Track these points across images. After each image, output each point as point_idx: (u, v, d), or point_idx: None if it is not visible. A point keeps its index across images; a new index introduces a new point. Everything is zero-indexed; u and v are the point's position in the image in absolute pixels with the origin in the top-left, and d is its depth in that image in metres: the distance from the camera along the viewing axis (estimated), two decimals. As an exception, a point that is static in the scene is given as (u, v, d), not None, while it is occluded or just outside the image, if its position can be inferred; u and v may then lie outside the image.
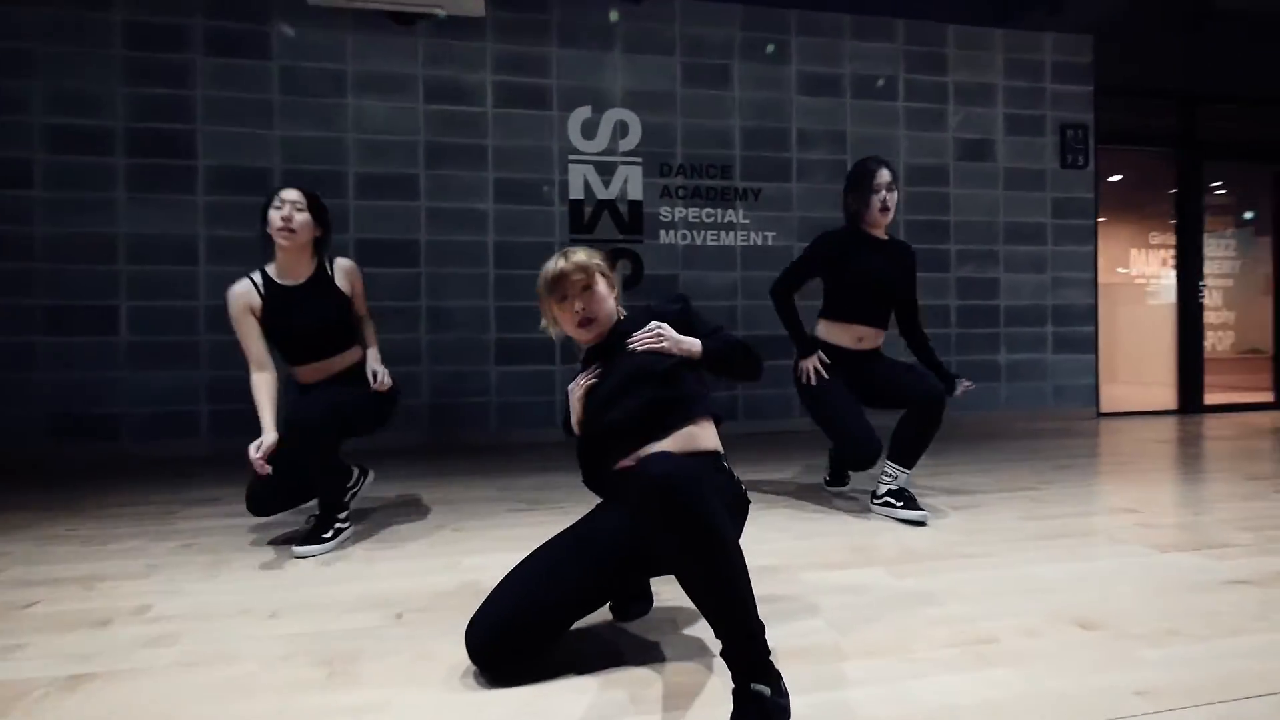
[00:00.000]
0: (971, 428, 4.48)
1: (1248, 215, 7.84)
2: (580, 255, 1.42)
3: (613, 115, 4.22)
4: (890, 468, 2.32)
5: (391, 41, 3.94)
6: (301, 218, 2.07)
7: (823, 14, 4.48)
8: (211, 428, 3.74)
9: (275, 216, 2.05)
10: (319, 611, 1.54)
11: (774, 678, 1.00)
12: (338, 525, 2.07)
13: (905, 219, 4.60)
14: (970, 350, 4.77)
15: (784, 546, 1.97)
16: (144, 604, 1.59)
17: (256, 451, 1.91)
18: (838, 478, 2.73)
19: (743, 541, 1.17)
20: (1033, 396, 4.89)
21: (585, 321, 1.42)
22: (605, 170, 4.22)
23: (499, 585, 1.25)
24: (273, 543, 2.09)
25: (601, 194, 4.21)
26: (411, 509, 2.51)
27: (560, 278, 1.40)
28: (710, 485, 1.05)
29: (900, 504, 2.23)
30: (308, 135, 3.82)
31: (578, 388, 1.41)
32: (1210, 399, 5.42)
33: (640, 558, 1.23)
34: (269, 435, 1.96)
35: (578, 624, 1.30)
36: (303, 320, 2.12)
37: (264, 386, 2.06)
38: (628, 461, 1.31)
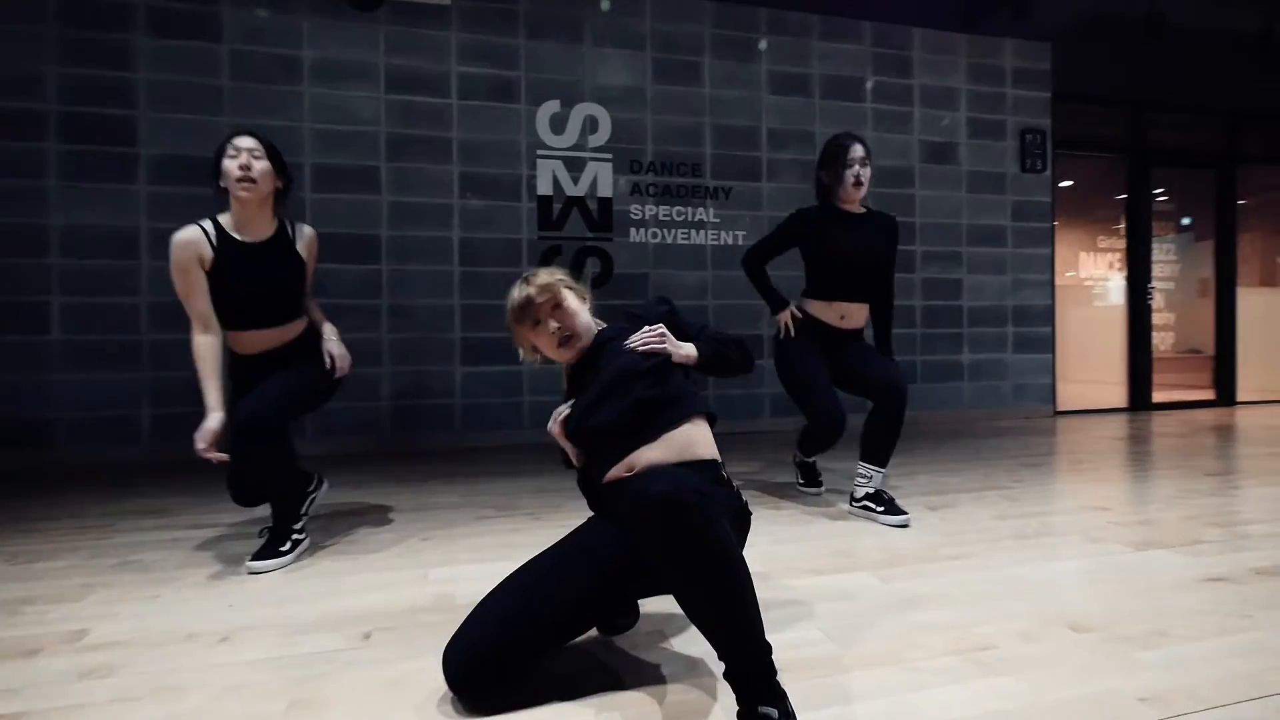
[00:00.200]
0: (936, 426, 4.54)
1: (1185, 221, 8.24)
2: (542, 276, 1.37)
3: (582, 110, 4.13)
4: (864, 468, 2.31)
5: (351, 28, 3.77)
6: (261, 166, 1.87)
7: (792, 13, 4.48)
8: (154, 433, 3.51)
9: (231, 166, 1.84)
10: (276, 634, 1.42)
11: (781, 698, 0.94)
12: (295, 538, 1.94)
13: (873, 220, 4.63)
14: (935, 350, 4.84)
15: (766, 551, 1.92)
16: (78, 630, 1.45)
17: (203, 442, 1.75)
18: (811, 479, 2.70)
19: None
20: (994, 395, 4.99)
21: (565, 339, 1.36)
22: (574, 166, 4.13)
23: (481, 604, 1.15)
24: (223, 558, 1.95)
25: (571, 190, 4.12)
26: (373, 518, 2.38)
27: (527, 304, 1.35)
28: (716, 504, 0.98)
29: (880, 509, 2.22)
30: (259, 123, 3.60)
31: (556, 425, 1.33)
32: (1156, 397, 5.63)
33: (638, 575, 1.15)
34: (214, 417, 1.78)
35: (563, 642, 1.22)
36: (259, 282, 1.90)
37: (209, 353, 1.85)
38: (619, 471, 1.22)
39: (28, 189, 3.37)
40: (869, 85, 4.69)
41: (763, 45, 4.45)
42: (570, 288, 1.40)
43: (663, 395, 1.28)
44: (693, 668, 1.24)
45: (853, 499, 2.33)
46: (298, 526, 1.96)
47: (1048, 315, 5.13)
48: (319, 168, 3.73)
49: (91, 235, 3.44)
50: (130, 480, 3.04)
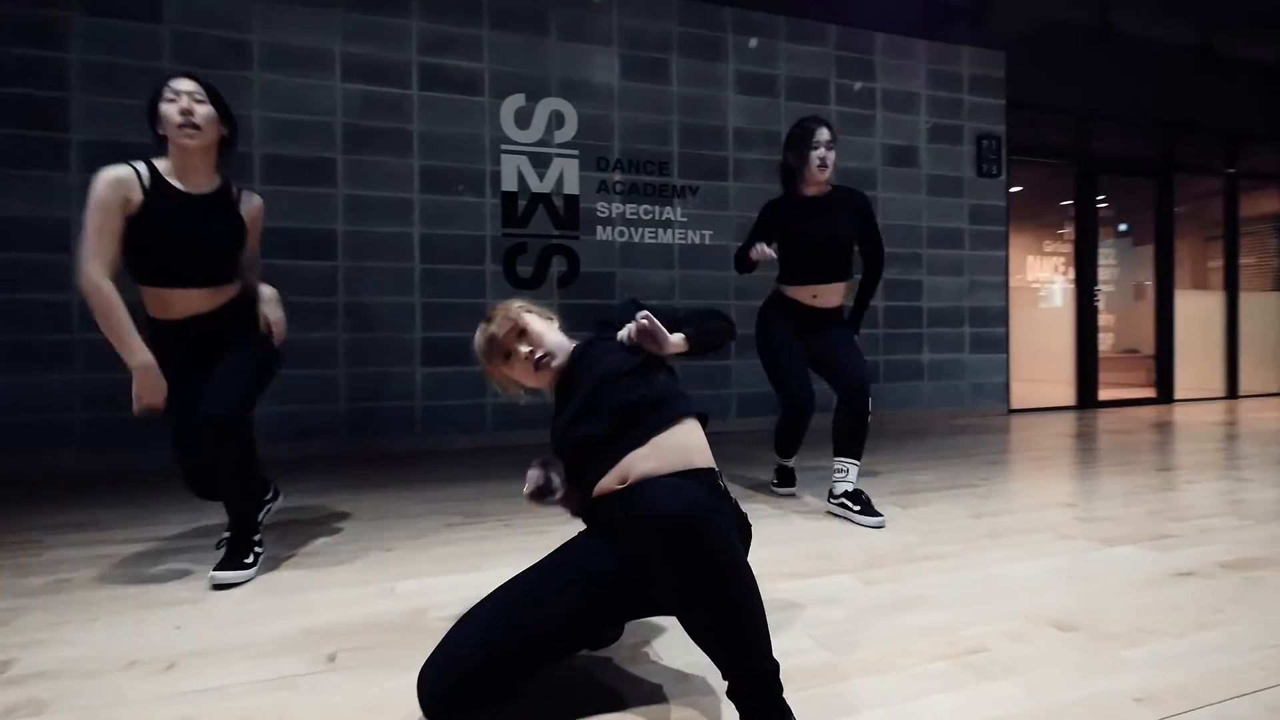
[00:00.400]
0: (898, 424, 4.61)
1: (1122, 227, 8.65)
2: (499, 310, 1.36)
3: (548, 105, 4.04)
4: (840, 462, 2.35)
5: (305, 12, 3.59)
6: (204, 110, 1.70)
7: (758, 13, 4.48)
8: (86, 440, 3.26)
9: (172, 110, 1.67)
10: (230, 659, 1.30)
11: (787, 716, 0.90)
12: (257, 549, 1.81)
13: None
14: (896, 350, 4.92)
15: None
16: (2, 661, 1.30)
17: (148, 394, 1.61)
18: (785, 480, 2.69)
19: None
20: (952, 394, 5.10)
21: (539, 361, 1.30)
22: (540, 162, 4.04)
23: (460, 622, 1.06)
24: (166, 575, 1.80)
25: (536, 187, 4.02)
26: (332, 528, 2.25)
27: (491, 340, 1.33)
28: (728, 521, 0.93)
29: (857, 509, 2.23)
30: (205, 110, 3.41)
31: (527, 495, 1.26)
32: (1101, 395, 5.85)
33: (632, 595, 1.07)
34: (139, 355, 1.63)
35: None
36: (195, 235, 1.71)
37: (119, 298, 1.64)
38: (611, 483, 1.15)
39: (-58, 175, 3.09)
40: (856, 88, 4.75)
41: (753, 44, 4.45)
42: (530, 311, 1.38)
43: (649, 395, 1.21)
44: (685, 681, 1.18)
45: (831, 495, 2.35)
46: (257, 538, 1.83)
47: (1002, 316, 5.28)
48: (270, 158, 3.55)
49: (17, 226, 3.18)
50: (60, 492, 2.82)
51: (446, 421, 3.84)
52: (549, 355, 1.31)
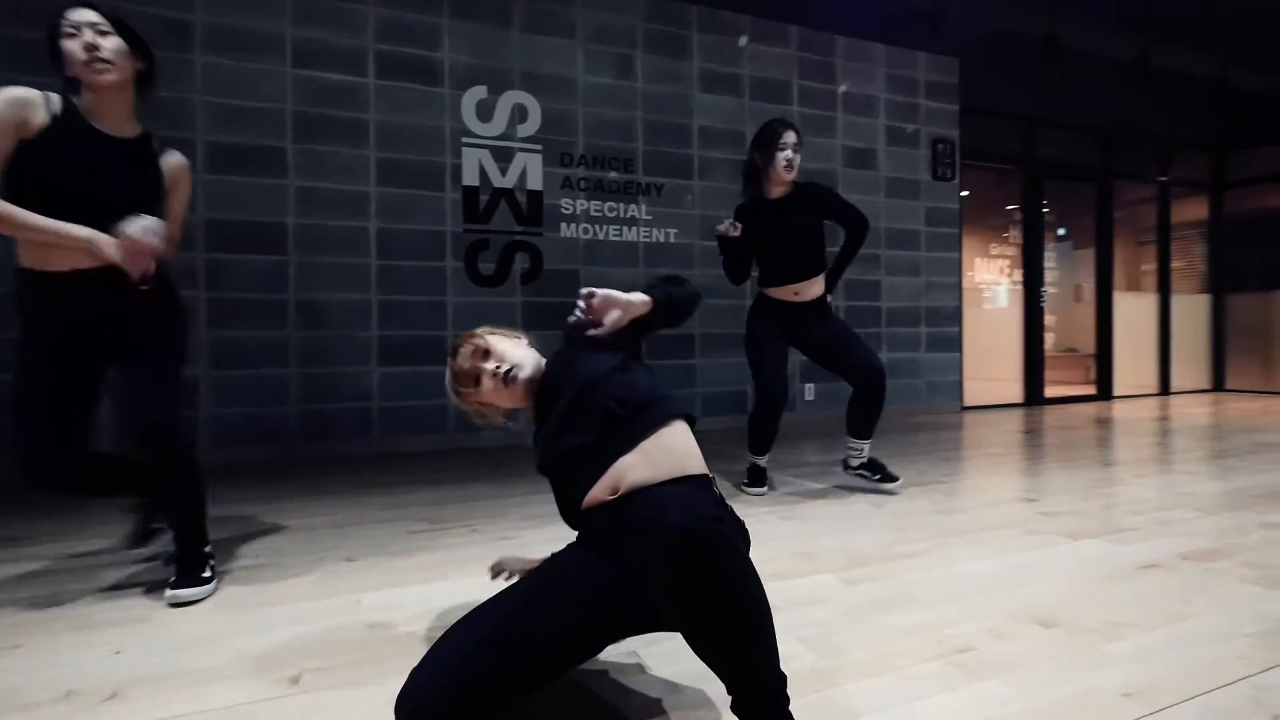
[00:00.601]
0: (860, 423, 4.68)
1: (1061, 231, 9.05)
2: (462, 340, 1.33)
3: (511, 98, 3.94)
4: (853, 443, 2.63)
5: (250, -7, 3.41)
6: (112, 42, 1.50)
7: (723, 11, 4.48)
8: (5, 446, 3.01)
9: (74, 46, 1.47)
10: (180, 685, 1.20)
11: (793, 729, 0.86)
12: (211, 561, 1.68)
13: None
14: (856, 349, 4.99)
15: (725, 557, 1.85)
16: (-89, 696, 1.17)
17: (149, 235, 1.44)
18: (756, 480, 2.68)
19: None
20: (910, 392, 5.22)
21: (507, 375, 1.25)
22: (502, 156, 3.93)
23: (442, 640, 0.98)
24: (103, 593, 1.65)
25: (499, 181, 3.92)
26: (286, 538, 2.12)
27: (459, 372, 1.31)
28: (734, 531, 0.88)
29: (877, 477, 2.58)
30: (141, 93, 3.20)
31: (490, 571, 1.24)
32: (1046, 393, 6.08)
33: (630, 613, 1.02)
34: (80, 230, 1.45)
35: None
36: (103, 178, 1.52)
37: (4, 202, 1.45)
38: (602, 493, 1.08)
39: None
40: (841, 90, 4.81)
41: (743, 42, 4.45)
42: (494, 333, 1.34)
43: (632, 399, 1.16)
44: (678, 692, 1.14)
45: (847, 466, 2.67)
46: (208, 549, 1.71)
47: (956, 316, 5.42)
48: (214, 146, 3.35)
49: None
50: (-22, 502, 2.59)
51: (406, 423, 3.71)
52: (515, 367, 1.26)
